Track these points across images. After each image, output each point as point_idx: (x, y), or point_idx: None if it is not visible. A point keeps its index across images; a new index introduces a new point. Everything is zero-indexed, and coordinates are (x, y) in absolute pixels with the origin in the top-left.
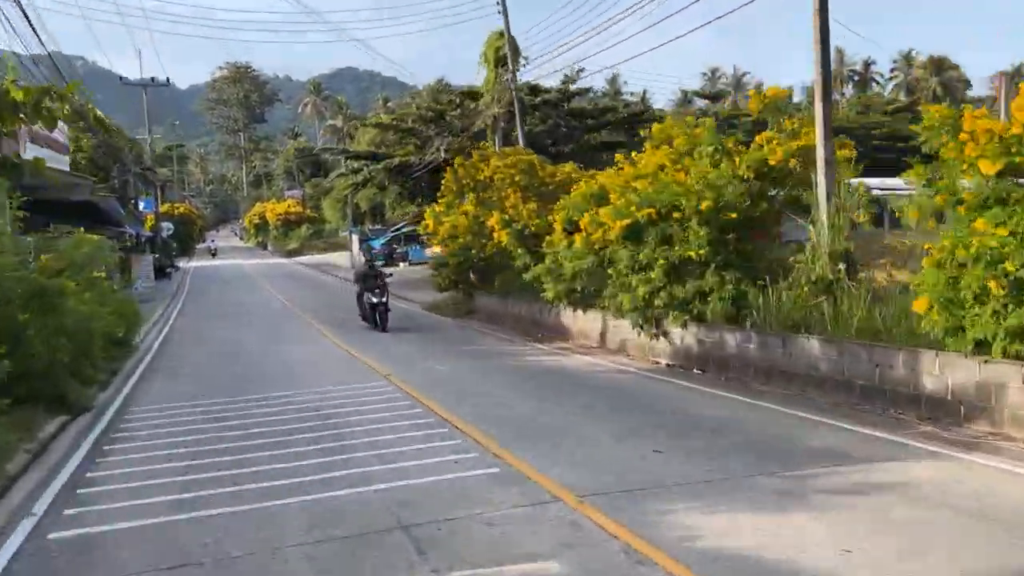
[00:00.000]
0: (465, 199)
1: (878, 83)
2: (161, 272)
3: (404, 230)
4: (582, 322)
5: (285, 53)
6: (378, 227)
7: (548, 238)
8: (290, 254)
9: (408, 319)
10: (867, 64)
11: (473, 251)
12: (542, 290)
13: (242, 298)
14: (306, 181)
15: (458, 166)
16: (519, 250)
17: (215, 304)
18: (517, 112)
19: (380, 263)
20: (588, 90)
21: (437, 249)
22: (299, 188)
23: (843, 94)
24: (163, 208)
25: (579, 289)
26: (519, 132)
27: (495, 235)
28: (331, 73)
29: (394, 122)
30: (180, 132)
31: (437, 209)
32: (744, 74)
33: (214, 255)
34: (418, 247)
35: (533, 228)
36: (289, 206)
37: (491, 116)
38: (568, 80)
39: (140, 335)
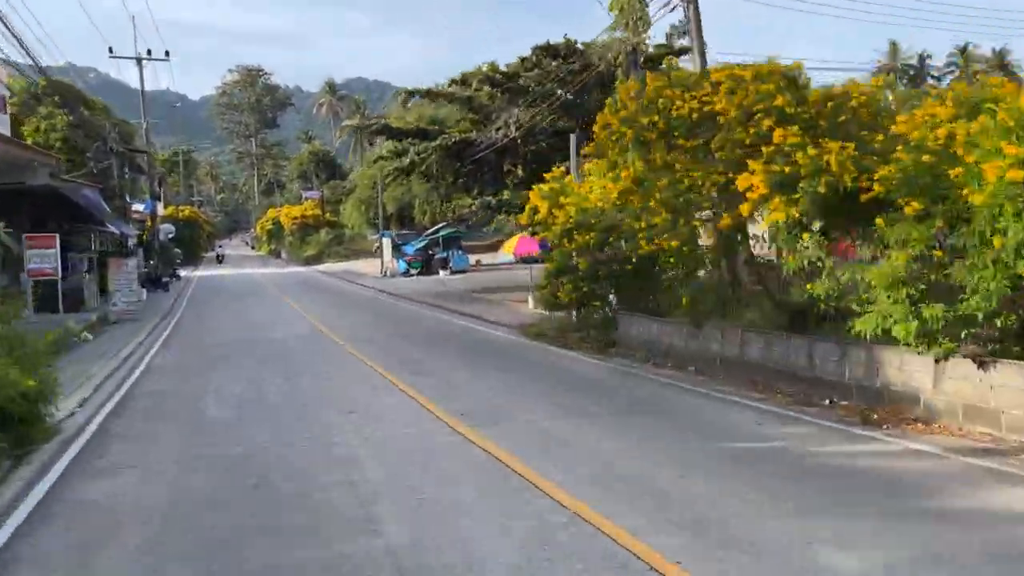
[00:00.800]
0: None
1: (935, 77)
2: (156, 282)
3: (443, 233)
4: (970, 388)
5: (295, 63)
6: (405, 231)
7: (915, 205)
8: (307, 262)
9: (512, 354)
10: (922, 58)
11: (670, 240)
12: (859, 313)
13: (255, 318)
14: (323, 184)
15: (626, 100)
16: (806, 238)
17: (218, 327)
18: (692, 19)
19: (416, 271)
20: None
21: (508, 251)
22: (317, 189)
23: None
24: (167, 211)
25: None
26: (696, 54)
27: (742, 208)
28: (342, 83)
29: (450, 88)
30: (188, 136)
31: (546, 187)
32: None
33: (220, 261)
34: (460, 252)
35: (876, 188)
36: (306, 209)
37: (629, 46)
38: (675, 32)
39: (69, 404)
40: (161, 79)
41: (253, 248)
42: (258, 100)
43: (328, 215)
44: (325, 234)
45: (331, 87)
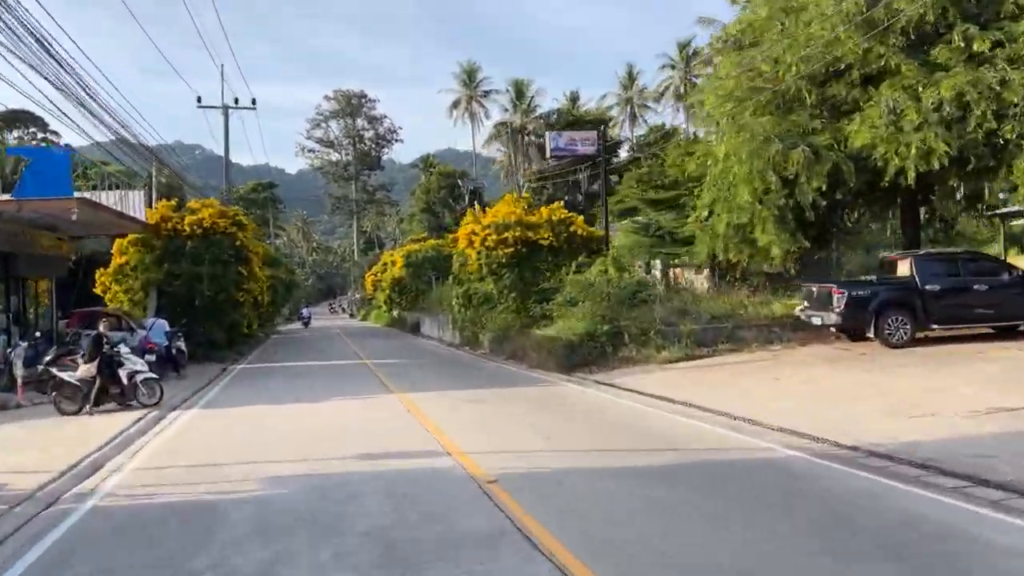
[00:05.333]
0: None
1: None
2: None
3: None
4: None
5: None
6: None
7: None
8: (560, 365)
9: None
10: None
11: None
12: None
13: None
14: (460, 218)
15: None
16: None
17: None
18: None
19: None
20: None
21: None
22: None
23: None
24: (153, 213)
25: None
26: None
27: None
28: (436, 152)
29: None
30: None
31: None
32: None
33: (306, 325)
34: None
35: None
36: (516, 208)
37: None
38: None
39: None
40: (258, 155)
41: (352, 315)
42: (359, 134)
43: (579, 224)
44: (603, 275)
45: (470, 75)
